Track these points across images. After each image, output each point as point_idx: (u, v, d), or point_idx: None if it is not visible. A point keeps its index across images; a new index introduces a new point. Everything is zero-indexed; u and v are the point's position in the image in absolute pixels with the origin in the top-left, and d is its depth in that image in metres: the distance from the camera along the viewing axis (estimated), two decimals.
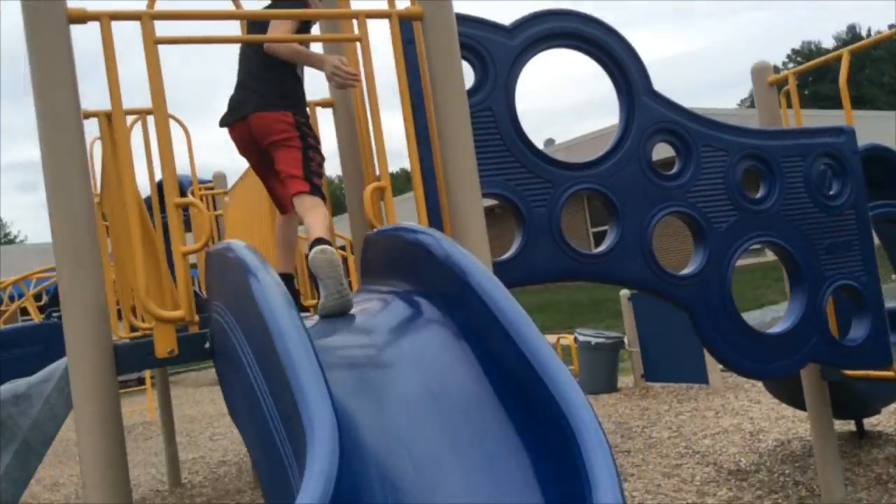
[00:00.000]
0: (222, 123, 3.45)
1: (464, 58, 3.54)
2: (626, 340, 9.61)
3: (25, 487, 3.07)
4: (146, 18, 2.56)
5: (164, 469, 7.95)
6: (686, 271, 3.77)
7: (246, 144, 3.43)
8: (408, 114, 2.94)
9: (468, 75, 3.59)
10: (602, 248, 3.67)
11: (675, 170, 3.81)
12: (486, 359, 1.91)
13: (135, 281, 2.78)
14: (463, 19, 3.52)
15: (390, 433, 1.77)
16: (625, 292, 9.44)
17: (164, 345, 2.55)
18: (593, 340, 9.23)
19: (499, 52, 3.56)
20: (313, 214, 3.10)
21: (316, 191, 3.28)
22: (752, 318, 14.33)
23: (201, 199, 6.80)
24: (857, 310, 4.09)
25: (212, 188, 7.22)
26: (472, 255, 2.05)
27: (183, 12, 2.64)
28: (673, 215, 3.79)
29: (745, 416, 7.12)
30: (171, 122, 5.86)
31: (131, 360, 2.60)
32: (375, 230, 2.71)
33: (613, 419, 7.86)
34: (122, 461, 2.49)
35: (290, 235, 3.49)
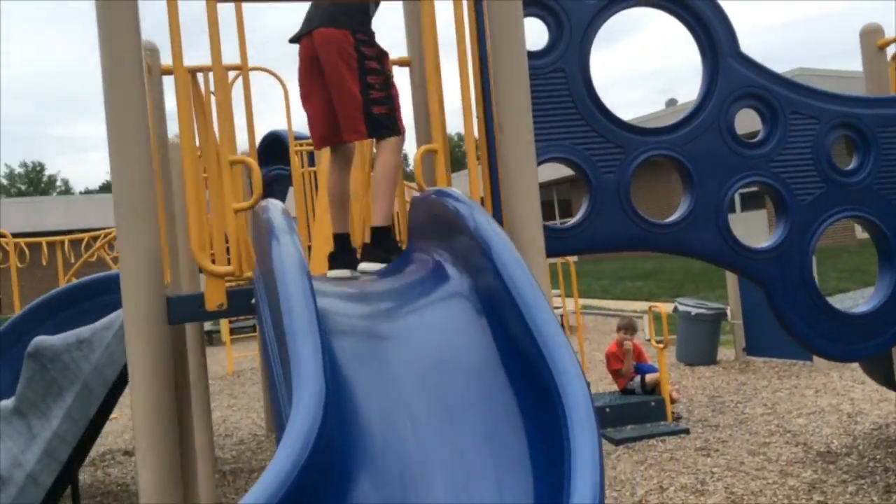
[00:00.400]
0: (291, 39, 3.30)
1: (538, 16, 3.48)
2: (729, 312, 9.29)
3: (85, 428, 3.26)
4: None
5: (263, 415, 8.25)
6: (764, 245, 3.60)
7: (308, 63, 3.21)
8: (465, 73, 2.87)
9: (542, 34, 3.51)
10: (674, 217, 3.54)
11: (759, 137, 3.62)
12: (500, 333, 1.89)
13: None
14: None
15: (394, 398, 1.77)
16: None
17: (214, 298, 2.63)
18: (693, 311, 8.96)
19: (575, 11, 3.45)
20: (379, 184, 3.00)
21: (376, 129, 3.08)
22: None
23: (298, 155, 6.92)
24: None
25: (311, 144, 7.32)
26: (500, 230, 2.01)
27: None
28: (754, 185, 3.61)
29: (845, 397, 6.79)
30: (270, 77, 5.99)
31: (183, 312, 2.69)
32: (422, 192, 2.69)
33: (707, 392, 7.65)
34: (171, 407, 2.59)
35: (342, 190, 3.33)
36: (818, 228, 3.61)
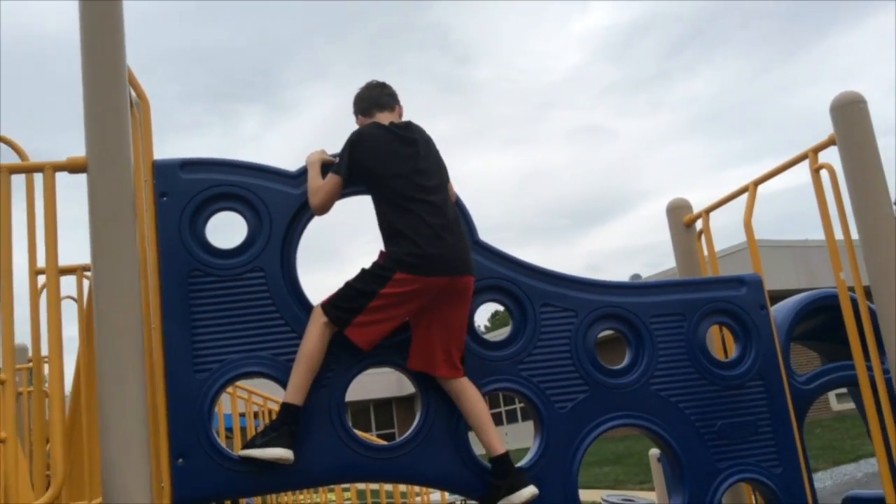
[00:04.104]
0: (420, 272, 2.83)
1: (234, 210, 3.03)
2: None
3: None
4: None
5: None
6: (517, 465, 2.98)
7: (426, 298, 2.88)
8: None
9: (241, 229, 3.06)
10: (402, 437, 2.94)
11: (504, 336, 3.09)
12: None
13: None
14: (234, 166, 3.03)
15: None
16: (654, 451, 8.31)
17: None
18: None
19: (277, 203, 3.01)
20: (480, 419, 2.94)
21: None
22: (845, 472, 12.51)
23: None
24: None
25: None
26: None
27: None
28: (501, 392, 3.04)
29: None
30: None
31: None
32: None
33: None
34: None
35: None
36: (583, 441, 3.00)
